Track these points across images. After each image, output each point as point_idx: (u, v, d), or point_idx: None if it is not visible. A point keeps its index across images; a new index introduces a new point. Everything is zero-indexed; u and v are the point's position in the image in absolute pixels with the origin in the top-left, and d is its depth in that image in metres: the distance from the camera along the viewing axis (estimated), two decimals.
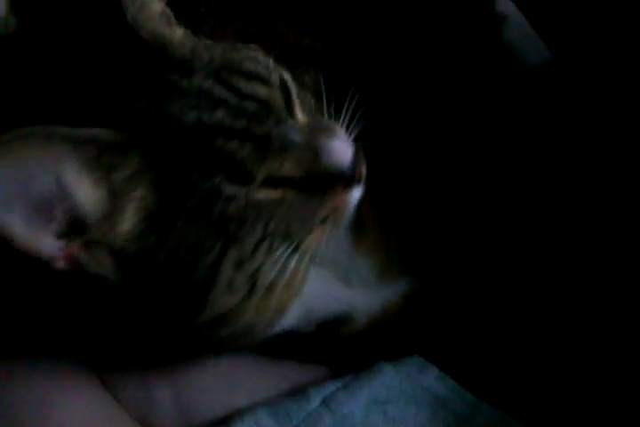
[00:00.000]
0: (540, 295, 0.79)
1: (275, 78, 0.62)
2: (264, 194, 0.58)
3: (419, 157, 0.84)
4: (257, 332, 0.68)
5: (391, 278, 0.78)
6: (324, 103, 0.66)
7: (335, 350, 0.78)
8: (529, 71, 0.87)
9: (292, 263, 0.61)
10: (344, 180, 0.60)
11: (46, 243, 0.55)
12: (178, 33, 0.66)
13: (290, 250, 0.61)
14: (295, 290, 0.68)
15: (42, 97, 0.68)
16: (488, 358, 0.78)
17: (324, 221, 0.62)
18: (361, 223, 0.77)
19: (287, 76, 0.64)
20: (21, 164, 0.52)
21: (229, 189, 0.56)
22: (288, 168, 0.58)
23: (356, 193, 0.62)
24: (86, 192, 0.55)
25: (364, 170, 0.62)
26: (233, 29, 0.82)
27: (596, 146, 0.81)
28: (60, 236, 0.56)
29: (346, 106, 0.66)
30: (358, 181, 0.62)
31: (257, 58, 0.63)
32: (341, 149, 0.60)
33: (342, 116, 0.65)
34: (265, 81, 0.61)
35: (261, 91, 0.59)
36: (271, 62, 0.64)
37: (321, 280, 0.74)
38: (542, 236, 0.80)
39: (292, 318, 0.71)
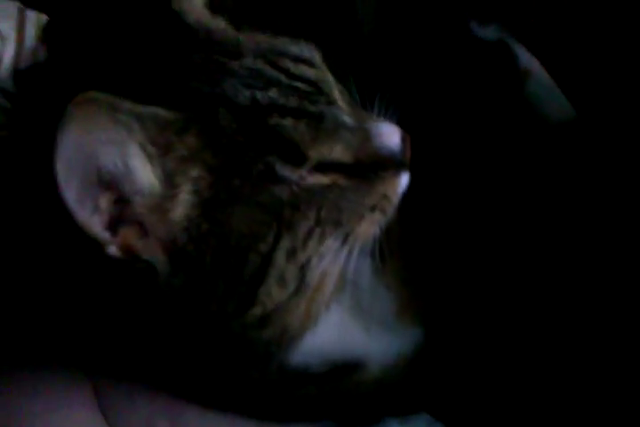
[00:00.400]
0: (559, 358, 0.76)
1: (318, 62, 0.62)
2: (315, 179, 0.56)
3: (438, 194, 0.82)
4: (288, 339, 0.65)
5: (408, 321, 0.76)
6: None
7: (341, 400, 0.75)
8: (551, 127, 0.87)
9: (341, 257, 0.59)
10: (393, 163, 0.60)
11: (99, 227, 0.53)
12: (221, 22, 0.66)
13: (340, 240, 0.59)
14: (328, 297, 0.65)
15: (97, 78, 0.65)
16: (500, 418, 0.76)
17: (373, 209, 0.60)
18: (387, 250, 0.74)
19: (326, 70, 0.64)
20: (90, 130, 0.50)
21: (283, 170, 0.55)
22: (339, 152, 0.57)
23: (404, 178, 0.61)
24: (146, 170, 0.53)
25: (409, 154, 0.61)
26: None
27: (614, 204, 0.80)
28: (111, 223, 0.53)
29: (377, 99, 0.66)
30: (406, 166, 0.61)
31: (300, 43, 0.63)
32: (390, 131, 0.60)
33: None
34: (312, 64, 0.61)
35: (310, 72, 0.60)
36: (313, 48, 0.63)
37: (341, 316, 0.71)
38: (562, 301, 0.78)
39: (313, 344, 0.68)
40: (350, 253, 0.61)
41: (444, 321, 0.78)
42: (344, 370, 0.73)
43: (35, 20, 0.91)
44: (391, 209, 0.62)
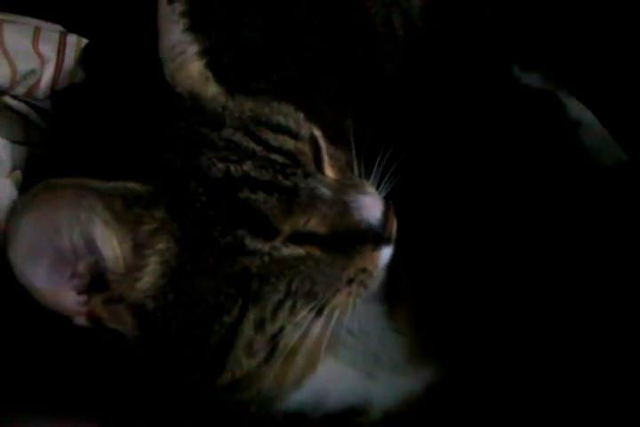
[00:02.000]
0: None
1: (304, 133, 0.61)
2: (289, 250, 0.56)
3: (457, 225, 0.80)
4: (271, 401, 0.65)
5: (420, 363, 0.74)
6: (355, 161, 0.65)
7: None
8: (603, 171, 0.85)
9: (316, 328, 0.59)
10: (373, 237, 0.59)
11: (69, 298, 0.54)
12: (212, 89, 0.66)
13: (314, 312, 0.58)
14: (314, 360, 0.65)
15: (75, 148, 0.68)
16: None
17: (351, 282, 0.59)
18: (396, 296, 0.73)
19: (318, 133, 0.63)
20: (51, 216, 0.51)
21: (252, 243, 0.55)
22: (314, 224, 0.57)
23: (386, 253, 0.60)
24: (112, 246, 0.54)
25: (394, 228, 0.60)
26: None
27: None
28: (82, 291, 0.55)
29: (377, 163, 0.65)
30: (388, 240, 0.60)
31: (287, 112, 0.63)
32: (370, 204, 0.59)
33: (374, 174, 0.65)
34: (293, 134, 0.61)
35: (289, 143, 0.59)
36: (302, 117, 0.63)
37: (338, 366, 0.70)
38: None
39: (303, 396, 0.67)
40: (329, 319, 0.60)
41: (459, 360, 0.76)
42: (344, 416, 0.72)
43: (75, 43, 0.93)
44: (373, 282, 0.61)
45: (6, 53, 0.85)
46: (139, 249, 0.55)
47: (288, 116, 0.63)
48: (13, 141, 0.82)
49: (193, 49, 0.66)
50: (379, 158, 0.66)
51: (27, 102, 0.88)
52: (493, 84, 0.88)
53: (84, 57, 0.92)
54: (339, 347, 0.68)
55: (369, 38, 0.94)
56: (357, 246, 0.58)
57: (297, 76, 0.85)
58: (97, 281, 0.55)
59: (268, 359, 0.59)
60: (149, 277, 0.55)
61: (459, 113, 0.85)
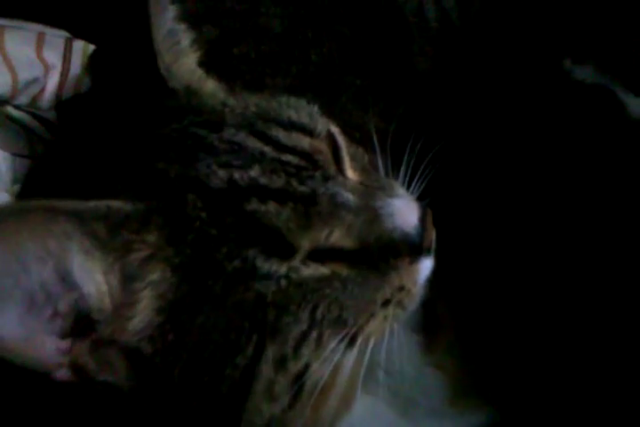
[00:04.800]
0: None
1: (321, 129, 0.52)
2: (310, 270, 0.47)
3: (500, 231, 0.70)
4: None
5: (465, 404, 0.64)
6: (380, 161, 0.55)
7: None
8: None
9: (349, 362, 0.50)
10: (410, 248, 0.50)
11: (47, 346, 0.45)
12: (210, 84, 0.58)
13: (344, 343, 0.49)
14: (349, 399, 0.55)
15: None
16: None
17: (386, 303, 0.50)
18: (434, 324, 0.64)
19: (335, 129, 0.54)
20: (17, 248, 0.42)
21: (266, 265, 0.46)
22: (338, 237, 0.48)
23: (426, 266, 0.51)
24: (95, 280, 0.45)
25: (433, 236, 0.51)
26: None
27: None
28: (62, 337, 0.46)
29: (405, 160, 0.55)
30: (428, 251, 0.51)
31: (299, 105, 0.54)
32: (404, 209, 0.50)
33: (402, 174, 0.55)
34: (308, 131, 0.51)
35: (304, 142, 0.50)
36: (316, 110, 0.53)
37: (373, 408, 0.61)
38: None
39: None
40: (364, 350, 0.51)
41: (515, 401, 0.65)
42: None
43: (81, 49, 0.89)
44: (412, 302, 0.52)
45: (7, 61, 0.81)
46: (128, 282, 0.46)
47: (300, 109, 0.54)
48: (15, 154, 0.78)
49: (188, 38, 0.56)
50: (406, 157, 0.56)
51: (30, 113, 0.84)
52: (541, 78, 0.79)
53: (92, 64, 0.85)
54: (373, 382, 0.57)
55: (398, 29, 0.86)
56: (392, 260, 0.50)
57: (319, 69, 0.78)
58: (82, 322, 0.46)
59: (293, 404, 0.49)
60: (143, 314, 0.46)
61: (500, 110, 0.76)
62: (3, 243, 0.41)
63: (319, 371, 0.49)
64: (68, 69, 0.87)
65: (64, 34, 0.88)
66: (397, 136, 0.59)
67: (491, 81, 0.80)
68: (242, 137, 0.49)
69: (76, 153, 0.57)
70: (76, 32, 0.89)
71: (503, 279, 0.65)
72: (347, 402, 0.55)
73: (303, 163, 0.49)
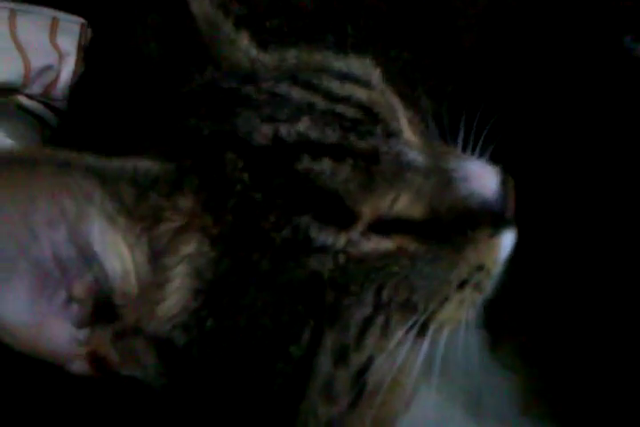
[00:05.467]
0: None
1: (376, 83, 0.44)
2: (371, 245, 0.40)
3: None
4: None
5: (537, 414, 0.57)
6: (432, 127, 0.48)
7: None
8: None
9: (417, 357, 0.42)
10: (490, 218, 0.43)
11: (61, 334, 0.38)
12: (243, 36, 0.50)
13: (413, 333, 0.42)
14: (408, 398, 0.48)
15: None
16: None
17: (462, 286, 0.43)
18: (499, 320, 0.57)
19: (390, 92, 0.47)
20: (23, 205, 0.34)
21: (321, 236, 0.38)
22: (405, 204, 0.41)
23: (508, 241, 0.44)
24: (119, 254, 0.37)
25: (514, 204, 0.43)
26: None
27: None
28: (80, 325, 0.38)
29: (462, 129, 0.48)
30: (510, 221, 0.43)
31: (347, 58, 0.46)
32: (482, 172, 0.43)
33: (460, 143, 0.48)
34: (363, 82, 0.44)
35: (360, 92, 0.43)
36: (369, 62, 0.46)
37: (438, 404, 0.54)
38: None
39: None
40: (436, 342, 0.43)
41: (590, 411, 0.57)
42: None
43: None
44: (490, 284, 0.44)
45: (19, 47, 0.77)
46: (158, 257, 0.38)
47: (350, 62, 0.47)
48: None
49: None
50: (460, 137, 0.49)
51: (43, 103, 0.79)
52: (600, 55, 0.73)
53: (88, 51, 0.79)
54: (435, 377, 0.49)
55: (440, 2, 0.78)
56: (469, 233, 0.42)
57: (358, 41, 0.70)
58: (102, 307, 0.38)
59: (353, 405, 0.42)
60: (176, 297, 0.38)
61: (555, 88, 0.71)
62: (5, 196, 0.33)
63: (383, 367, 0.41)
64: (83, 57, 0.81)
65: (79, 20, 0.83)
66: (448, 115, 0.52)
67: (544, 59, 0.73)
68: (284, 88, 0.42)
69: (93, 116, 0.50)
70: (92, 19, 0.83)
71: (587, 270, 0.58)
72: (405, 402, 0.47)
73: (360, 115, 0.41)
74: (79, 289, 0.37)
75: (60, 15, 0.83)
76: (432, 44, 0.77)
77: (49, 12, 0.81)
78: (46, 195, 0.34)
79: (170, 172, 0.38)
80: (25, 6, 0.81)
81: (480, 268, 0.43)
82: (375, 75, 0.45)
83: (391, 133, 0.42)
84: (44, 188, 0.34)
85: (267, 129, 0.39)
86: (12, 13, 0.78)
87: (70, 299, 0.37)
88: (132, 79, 0.52)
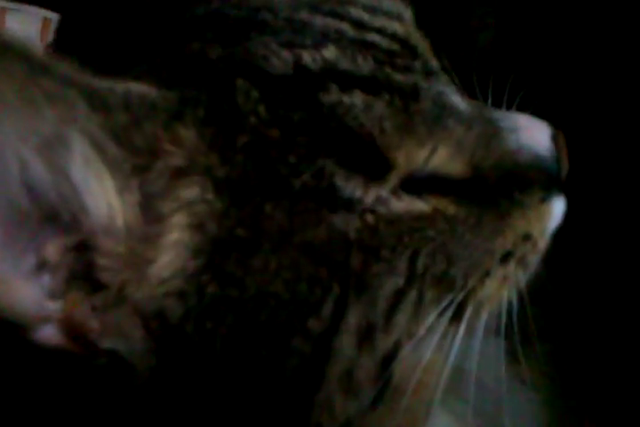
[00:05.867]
0: None
1: (409, 18, 0.39)
2: (403, 205, 0.34)
3: None
4: None
5: None
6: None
7: None
8: None
9: (453, 344, 0.36)
10: (542, 178, 0.37)
11: (29, 292, 0.30)
12: None
13: (448, 316, 0.35)
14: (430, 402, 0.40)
15: None
16: None
17: (506, 258, 0.37)
18: (521, 327, 0.48)
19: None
20: None
21: (348, 186, 0.32)
22: (444, 158, 0.35)
23: (559, 206, 0.39)
24: (106, 192, 0.30)
25: (566, 165, 0.38)
26: None
27: None
28: (52, 293, 0.31)
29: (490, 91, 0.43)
30: (561, 185, 0.38)
31: None
32: (532, 124, 0.37)
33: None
34: (397, 16, 0.38)
35: (394, 25, 0.37)
36: (400, 3, 0.41)
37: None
38: None
39: None
40: (471, 331, 0.37)
41: None
42: None
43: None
44: (537, 258, 0.38)
45: None
46: (153, 203, 0.31)
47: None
48: None
49: None
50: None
51: None
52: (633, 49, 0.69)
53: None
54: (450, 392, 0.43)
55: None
56: (517, 195, 0.37)
57: None
58: (81, 273, 0.31)
59: (376, 402, 0.35)
60: (172, 255, 0.31)
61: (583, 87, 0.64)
62: None
63: (412, 358, 0.35)
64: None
65: (41, 11, 0.84)
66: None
67: (568, 57, 0.69)
68: (304, 15, 0.36)
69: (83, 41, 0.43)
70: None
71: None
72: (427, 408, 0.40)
73: (397, 48, 0.36)
74: (53, 250, 0.30)
75: (52, 15, 0.83)
76: (446, 42, 0.73)
77: (39, 12, 0.83)
78: (13, 96, 0.27)
79: (169, 100, 0.31)
80: (15, 5, 0.80)
81: (527, 238, 0.37)
82: (408, 13, 0.40)
83: (431, 71, 0.36)
84: (13, 88, 0.27)
85: (287, 55, 0.33)
86: (2, 11, 0.80)
87: (42, 264, 0.30)
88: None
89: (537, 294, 0.50)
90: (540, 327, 0.52)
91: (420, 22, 0.43)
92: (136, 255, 0.31)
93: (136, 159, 0.30)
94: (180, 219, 0.31)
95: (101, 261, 0.31)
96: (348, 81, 0.33)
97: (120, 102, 0.30)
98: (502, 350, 0.48)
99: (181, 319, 0.32)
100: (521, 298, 0.41)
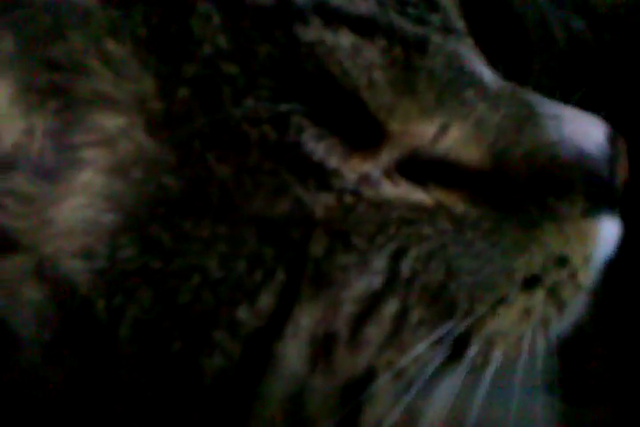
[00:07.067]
0: None
1: None
2: (398, 191, 0.27)
3: None
4: None
5: None
6: None
7: None
8: None
9: (447, 393, 0.28)
10: (589, 185, 0.29)
11: None
12: None
13: (444, 349, 0.27)
14: None
15: None
16: None
17: (532, 283, 0.28)
18: (583, 381, 0.41)
19: None
20: None
21: (319, 147, 0.25)
22: (458, 140, 0.28)
23: (612, 226, 0.30)
24: (13, 117, 0.25)
25: (625, 173, 0.30)
26: None
27: None
28: None
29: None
30: (616, 199, 0.30)
31: None
32: (580, 117, 0.30)
33: None
34: None
35: None
36: None
37: None
38: None
39: None
40: (478, 381, 0.28)
41: None
42: None
43: None
44: (579, 297, 0.30)
45: None
46: (66, 130, 0.25)
47: None
48: None
49: None
50: None
51: None
52: None
53: None
54: None
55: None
56: (551, 202, 0.28)
57: None
58: None
59: None
60: (81, 199, 0.25)
61: None
62: None
63: (389, 397, 0.26)
64: None
65: None
66: None
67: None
68: None
69: None
70: None
71: None
72: None
73: None
74: None
75: None
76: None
77: None
78: None
79: (108, 12, 0.26)
80: None
81: (562, 262, 0.29)
82: None
83: (452, 29, 0.29)
84: None
85: None
86: None
87: None
88: None
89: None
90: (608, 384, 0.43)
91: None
92: (41, 195, 0.25)
93: (53, 76, 0.25)
94: (94, 154, 0.25)
95: (5, 200, 0.25)
96: (336, 17, 0.27)
97: (44, 3, 0.25)
98: (556, 413, 0.38)
99: (88, 292, 0.25)
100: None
